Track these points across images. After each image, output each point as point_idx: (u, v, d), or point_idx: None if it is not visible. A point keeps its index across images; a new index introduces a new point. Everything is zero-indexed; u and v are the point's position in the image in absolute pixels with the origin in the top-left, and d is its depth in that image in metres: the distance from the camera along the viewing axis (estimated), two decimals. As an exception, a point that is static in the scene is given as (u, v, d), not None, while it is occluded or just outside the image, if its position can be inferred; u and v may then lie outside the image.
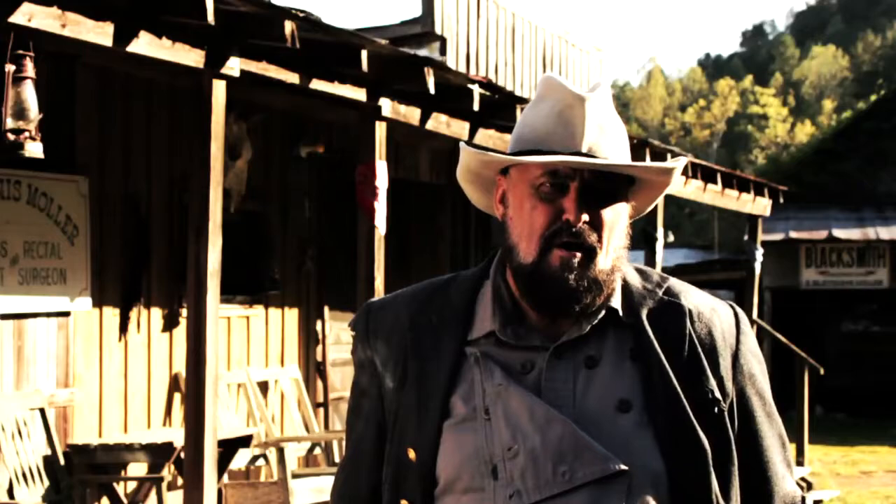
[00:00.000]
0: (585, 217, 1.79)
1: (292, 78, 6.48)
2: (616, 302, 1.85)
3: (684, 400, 1.79)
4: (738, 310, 1.94)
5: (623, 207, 1.86)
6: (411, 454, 1.84)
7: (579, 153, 1.81)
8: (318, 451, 8.91)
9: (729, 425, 1.83)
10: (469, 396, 1.83)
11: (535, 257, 1.81)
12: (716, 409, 1.82)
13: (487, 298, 1.89)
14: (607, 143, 1.83)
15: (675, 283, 1.92)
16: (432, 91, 7.04)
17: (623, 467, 1.75)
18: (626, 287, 1.88)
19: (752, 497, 1.87)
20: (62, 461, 6.82)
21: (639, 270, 1.93)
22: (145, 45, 5.46)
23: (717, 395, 1.82)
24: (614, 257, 1.83)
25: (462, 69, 10.19)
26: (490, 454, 1.79)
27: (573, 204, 1.79)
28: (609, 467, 1.75)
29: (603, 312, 1.84)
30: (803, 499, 1.93)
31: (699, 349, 1.84)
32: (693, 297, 1.90)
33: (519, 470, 1.77)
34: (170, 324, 7.92)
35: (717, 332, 1.87)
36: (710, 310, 1.89)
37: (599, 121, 1.83)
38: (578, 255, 1.79)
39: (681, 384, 1.80)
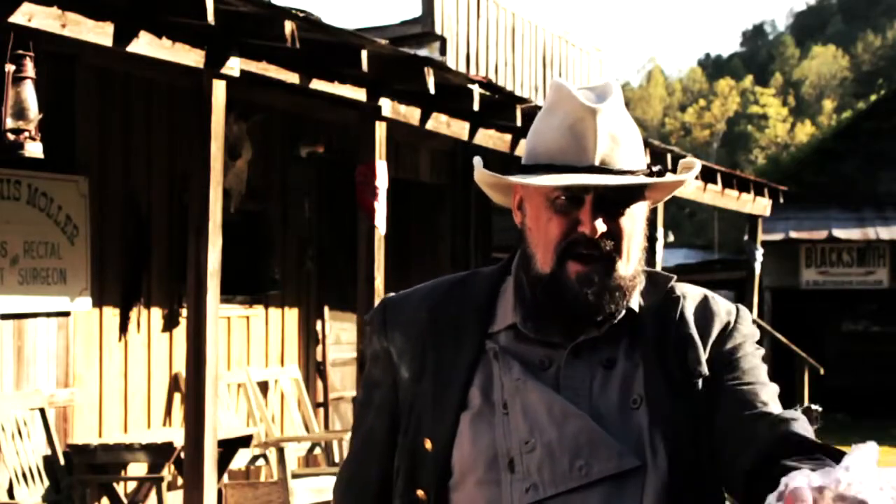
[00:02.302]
0: (602, 228, 1.80)
1: (292, 78, 6.48)
2: (635, 303, 1.87)
3: (677, 390, 1.80)
4: (741, 306, 1.95)
5: (640, 210, 1.86)
6: (428, 444, 1.85)
7: (592, 167, 1.80)
8: (318, 451, 8.91)
9: (703, 399, 1.80)
10: (487, 389, 1.84)
11: (552, 267, 1.82)
12: (699, 384, 1.81)
13: (509, 293, 1.90)
14: (620, 153, 1.83)
15: (679, 283, 1.94)
16: (432, 91, 7.05)
17: (639, 463, 1.76)
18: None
19: (750, 438, 1.78)
20: (62, 461, 6.82)
21: (647, 273, 1.94)
22: (145, 45, 5.46)
23: (703, 368, 1.82)
24: (636, 262, 1.85)
25: (462, 69, 10.19)
26: (507, 448, 1.80)
27: (588, 216, 1.80)
28: (625, 463, 1.76)
29: (623, 313, 1.85)
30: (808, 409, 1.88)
31: (691, 327, 1.85)
32: (692, 292, 1.93)
33: (536, 464, 1.78)
34: (170, 324, 7.92)
35: (713, 317, 1.88)
36: (704, 297, 1.92)
37: (612, 130, 1.82)
38: (597, 265, 1.80)
39: (674, 374, 1.82)
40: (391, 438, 1.92)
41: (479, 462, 1.81)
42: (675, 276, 1.95)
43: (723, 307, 1.91)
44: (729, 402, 1.81)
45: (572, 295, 1.80)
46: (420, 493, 1.86)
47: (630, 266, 1.83)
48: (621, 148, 1.83)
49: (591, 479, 1.76)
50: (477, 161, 1.94)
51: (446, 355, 1.88)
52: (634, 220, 1.84)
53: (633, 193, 1.84)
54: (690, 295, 1.91)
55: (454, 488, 1.84)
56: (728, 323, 1.89)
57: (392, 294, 2.04)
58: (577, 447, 1.77)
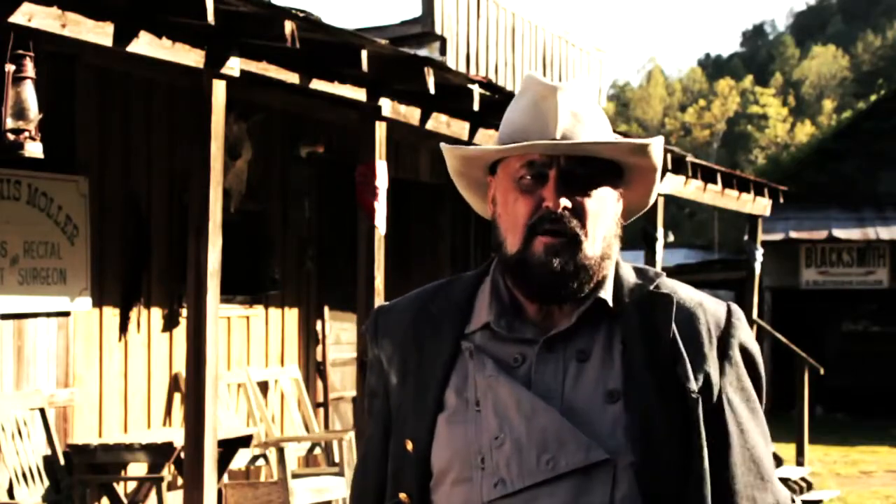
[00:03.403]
0: (566, 203, 1.81)
1: (292, 78, 6.47)
2: (607, 293, 1.86)
3: (661, 390, 1.79)
4: (734, 306, 1.91)
5: (607, 193, 1.86)
6: (409, 446, 1.87)
7: (553, 140, 1.83)
8: (318, 451, 8.91)
9: (700, 416, 1.80)
10: (462, 389, 1.86)
11: (520, 246, 1.84)
12: (688, 400, 1.80)
13: (486, 293, 1.92)
14: (583, 130, 1.85)
15: (667, 280, 1.93)
16: (432, 91, 7.04)
17: (606, 456, 1.76)
18: (618, 280, 1.89)
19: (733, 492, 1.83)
20: (62, 461, 6.81)
21: (636, 268, 1.94)
22: (145, 45, 5.46)
23: (693, 385, 1.80)
24: (603, 245, 1.85)
25: (462, 69, 10.19)
26: (479, 445, 1.82)
27: (552, 191, 1.82)
28: (592, 456, 1.76)
29: (591, 301, 1.85)
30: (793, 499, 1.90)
31: (679, 339, 1.83)
32: (681, 291, 1.90)
33: (504, 459, 1.79)
34: (170, 324, 7.92)
35: (702, 324, 1.85)
36: (696, 303, 1.88)
37: (574, 109, 1.85)
38: (563, 240, 1.81)
39: (659, 373, 1.80)
40: (386, 447, 1.95)
41: (455, 461, 1.83)
42: (665, 273, 1.95)
43: (713, 316, 1.87)
44: (713, 468, 1.80)
45: (539, 264, 1.81)
46: (402, 495, 1.88)
47: (595, 247, 1.83)
48: (584, 125, 1.86)
49: (558, 473, 1.76)
50: (443, 144, 1.98)
51: (425, 356, 1.91)
52: (601, 201, 1.85)
53: (598, 172, 1.85)
54: (681, 297, 1.88)
55: (433, 489, 1.86)
56: (719, 338, 1.85)
57: (384, 303, 2.08)
58: (544, 441, 1.78)
